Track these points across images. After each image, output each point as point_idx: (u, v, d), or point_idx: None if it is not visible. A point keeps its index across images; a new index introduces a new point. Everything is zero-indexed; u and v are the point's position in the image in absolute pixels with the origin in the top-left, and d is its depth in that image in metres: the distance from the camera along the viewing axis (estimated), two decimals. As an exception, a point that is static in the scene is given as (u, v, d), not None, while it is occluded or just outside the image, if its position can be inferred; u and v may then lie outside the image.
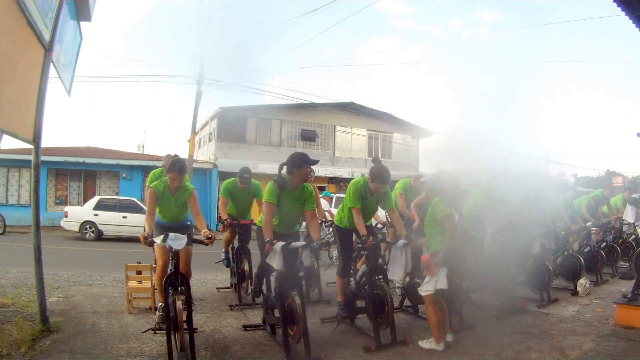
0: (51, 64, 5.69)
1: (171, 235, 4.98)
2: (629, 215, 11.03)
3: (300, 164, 5.66)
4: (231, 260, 8.20)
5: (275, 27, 39.28)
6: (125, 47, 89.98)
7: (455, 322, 6.22)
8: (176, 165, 5.79)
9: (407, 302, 7.25)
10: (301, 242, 5.52)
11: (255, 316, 6.72)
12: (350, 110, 29.95)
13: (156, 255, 5.92)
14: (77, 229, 18.18)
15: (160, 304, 5.90)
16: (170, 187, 5.86)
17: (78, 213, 18.59)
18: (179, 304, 4.74)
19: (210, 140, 29.97)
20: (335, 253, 8.31)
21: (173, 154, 6.69)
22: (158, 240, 5.06)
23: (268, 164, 23.85)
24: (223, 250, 8.41)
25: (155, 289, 6.64)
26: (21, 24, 4.60)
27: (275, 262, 5.27)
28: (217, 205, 23.49)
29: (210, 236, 5.17)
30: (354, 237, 6.63)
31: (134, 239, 16.75)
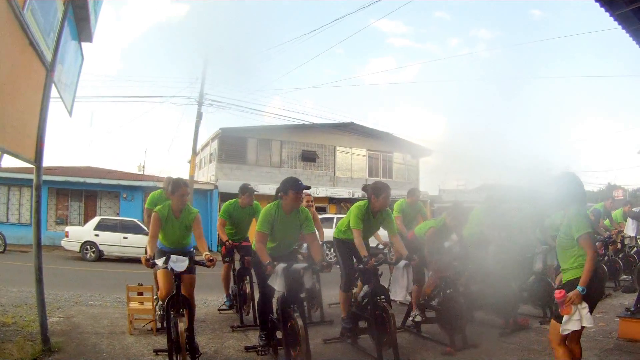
0: (53, 85, 5.71)
1: (173, 257, 5.00)
2: (630, 229, 10.98)
3: (287, 189, 5.63)
4: (231, 293, 8.20)
5: (274, 49, 39.57)
6: (123, 66, 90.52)
7: (458, 341, 6.19)
8: (180, 182, 5.81)
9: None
10: (303, 264, 5.50)
11: (257, 337, 6.62)
12: (351, 130, 30.03)
13: (159, 282, 5.89)
14: (77, 249, 18.09)
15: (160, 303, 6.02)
16: (175, 210, 5.82)
17: (79, 233, 18.53)
18: (181, 326, 4.73)
19: (210, 161, 30.02)
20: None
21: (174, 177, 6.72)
22: (160, 262, 5.05)
23: (269, 185, 23.83)
24: (225, 294, 8.37)
25: (157, 311, 6.66)
26: (23, 44, 4.63)
27: (277, 283, 5.24)
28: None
29: (211, 258, 5.13)
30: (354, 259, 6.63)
31: (134, 260, 16.81)
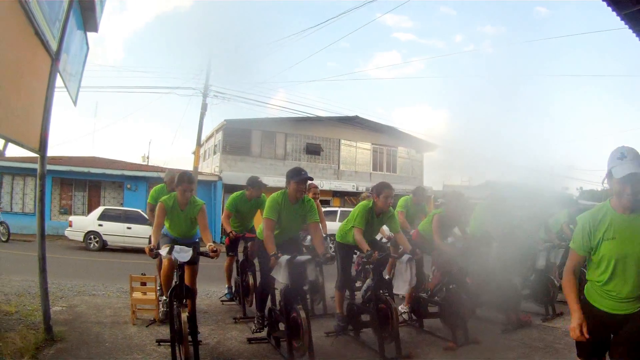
0: (58, 74, 5.71)
1: (177, 247, 5.01)
2: None
3: (289, 179, 5.71)
4: (233, 286, 8.24)
5: (279, 42, 39.42)
6: (125, 57, 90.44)
7: (460, 337, 6.20)
8: (185, 177, 5.81)
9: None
10: (307, 256, 5.51)
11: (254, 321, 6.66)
12: (355, 124, 29.93)
13: (163, 265, 5.91)
14: (81, 238, 18.17)
15: (164, 298, 6.06)
16: (180, 202, 5.85)
17: (82, 223, 18.60)
18: (183, 316, 4.73)
19: (215, 153, 30.07)
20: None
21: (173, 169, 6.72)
22: (163, 252, 5.06)
23: (273, 177, 23.82)
24: (226, 285, 8.41)
25: (160, 300, 6.67)
26: (29, 33, 4.61)
27: (281, 275, 5.26)
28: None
29: (215, 249, 5.14)
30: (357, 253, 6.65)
31: (138, 250, 16.82)
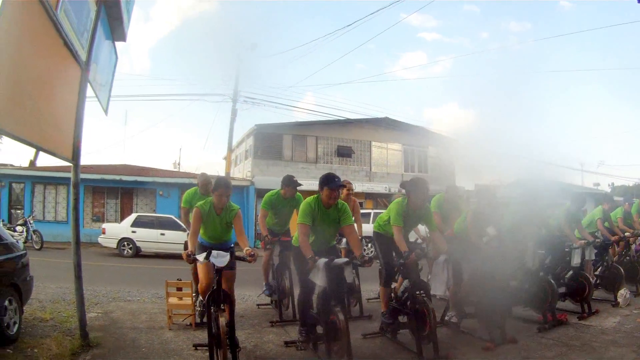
0: (88, 84, 5.79)
1: (214, 252, 5.00)
2: None
3: (322, 186, 5.68)
4: (271, 282, 8.15)
5: (307, 45, 39.66)
6: (153, 64, 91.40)
7: (497, 336, 6.13)
8: (222, 182, 5.82)
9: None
10: (344, 259, 5.46)
11: (297, 332, 6.51)
12: (385, 125, 29.77)
13: (200, 277, 5.90)
14: (114, 245, 18.33)
15: (200, 299, 6.10)
16: (217, 207, 5.83)
17: (116, 230, 18.78)
18: (222, 320, 4.74)
19: (246, 158, 30.13)
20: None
21: (207, 173, 6.74)
22: (201, 257, 5.07)
23: (305, 181, 23.79)
24: (264, 282, 8.28)
25: (196, 306, 6.73)
26: (58, 44, 4.69)
27: (319, 278, 5.23)
28: (257, 219, 23.70)
29: (252, 253, 5.15)
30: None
31: (171, 256, 16.96)
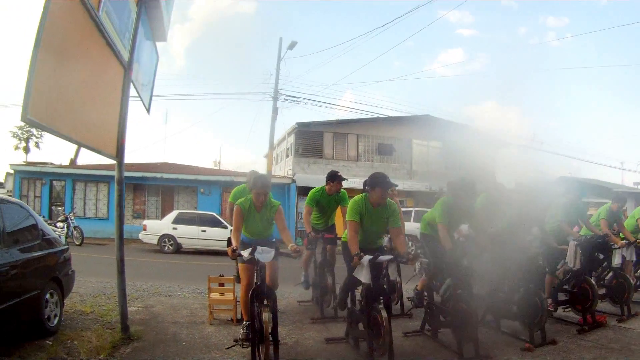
0: (131, 83, 5.92)
1: (259, 248, 5.02)
2: None
3: (374, 185, 5.65)
4: (310, 279, 8.21)
5: (345, 44, 39.68)
6: (190, 64, 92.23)
7: (537, 337, 6.08)
8: (259, 182, 5.85)
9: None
10: (388, 256, 5.46)
11: (338, 329, 6.64)
12: (426, 123, 29.43)
13: (241, 274, 5.95)
14: (155, 241, 18.57)
15: (245, 322, 5.86)
16: (256, 204, 5.85)
17: (157, 226, 19.03)
18: (265, 316, 4.74)
19: (287, 156, 30.18)
20: (418, 264, 8.15)
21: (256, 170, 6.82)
22: (245, 253, 5.08)
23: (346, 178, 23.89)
24: (303, 272, 8.36)
25: (238, 301, 6.77)
26: (101, 45, 4.81)
27: (363, 275, 5.24)
28: (298, 217, 23.79)
29: (297, 249, 5.20)
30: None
31: (212, 252, 17.09)
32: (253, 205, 5.85)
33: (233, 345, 5.57)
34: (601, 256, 7.67)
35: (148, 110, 7.17)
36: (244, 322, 5.94)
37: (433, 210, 6.55)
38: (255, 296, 5.08)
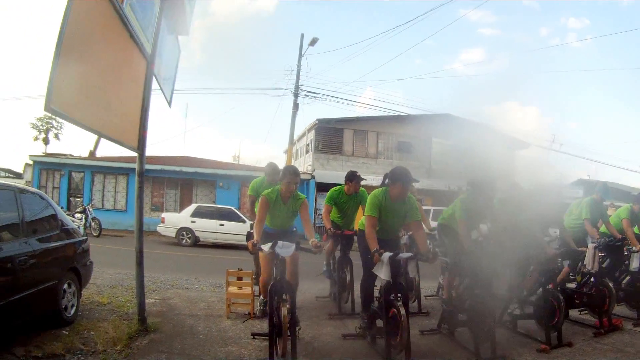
0: (153, 77, 5.95)
1: (279, 243, 5.02)
2: None
3: (395, 180, 5.63)
4: (332, 270, 8.19)
5: (367, 42, 39.72)
6: (211, 59, 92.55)
7: (553, 339, 6.03)
8: (290, 169, 5.91)
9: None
10: (408, 254, 5.44)
11: (355, 325, 6.55)
12: (446, 122, 29.23)
13: (261, 262, 5.95)
14: (173, 234, 18.68)
15: (262, 299, 6.12)
16: (284, 195, 5.88)
17: (175, 219, 19.12)
18: (284, 310, 4.74)
19: (307, 152, 30.25)
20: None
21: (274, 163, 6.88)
22: (266, 247, 5.07)
23: (365, 176, 23.77)
24: (325, 262, 8.34)
25: (256, 295, 6.81)
26: (125, 38, 4.85)
27: (383, 272, 5.23)
28: (317, 212, 23.81)
29: (318, 244, 5.20)
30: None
31: (230, 246, 17.12)
32: (280, 197, 5.89)
33: (254, 336, 5.69)
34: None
35: (169, 104, 7.22)
36: (262, 299, 6.03)
37: (453, 206, 6.53)
38: (274, 291, 5.07)
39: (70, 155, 28.17)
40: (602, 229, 8.28)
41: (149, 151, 6.13)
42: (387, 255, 5.20)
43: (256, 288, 7.11)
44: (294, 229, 6.41)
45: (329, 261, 8.25)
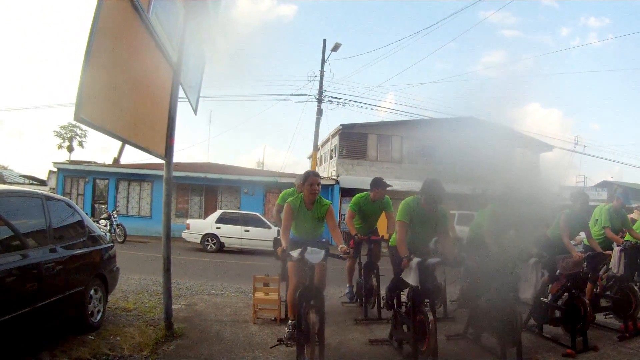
0: (179, 85, 6.01)
1: (309, 249, 5.01)
2: None
3: (423, 193, 5.65)
4: (354, 289, 8.21)
5: (389, 47, 39.68)
6: (230, 64, 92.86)
7: (578, 343, 5.98)
8: (311, 172, 5.89)
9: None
10: (436, 259, 5.43)
11: (381, 331, 6.63)
12: (470, 125, 29.00)
13: (290, 273, 5.94)
14: (198, 240, 18.77)
15: (290, 321, 5.98)
16: (307, 201, 5.87)
17: (200, 225, 19.22)
18: (312, 316, 4.73)
19: (331, 157, 30.21)
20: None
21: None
22: (295, 253, 5.05)
23: (390, 181, 23.65)
24: (347, 284, 8.32)
25: (283, 301, 6.79)
26: (151, 46, 4.91)
27: (411, 277, 5.24)
28: (341, 218, 23.78)
29: (347, 251, 5.17)
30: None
31: (255, 252, 17.16)
32: (304, 204, 5.88)
33: (277, 344, 5.60)
34: None
35: (195, 111, 7.28)
36: (290, 322, 5.97)
37: (480, 217, 6.50)
38: (303, 297, 5.06)
39: (95, 162, 28.49)
40: (627, 237, 8.12)
41: (174, 158, 6.18)
42: (415, 260, 5.22)
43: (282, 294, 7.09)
44: (324, 239, 6.34)
45: (350, 282, 8.25)
